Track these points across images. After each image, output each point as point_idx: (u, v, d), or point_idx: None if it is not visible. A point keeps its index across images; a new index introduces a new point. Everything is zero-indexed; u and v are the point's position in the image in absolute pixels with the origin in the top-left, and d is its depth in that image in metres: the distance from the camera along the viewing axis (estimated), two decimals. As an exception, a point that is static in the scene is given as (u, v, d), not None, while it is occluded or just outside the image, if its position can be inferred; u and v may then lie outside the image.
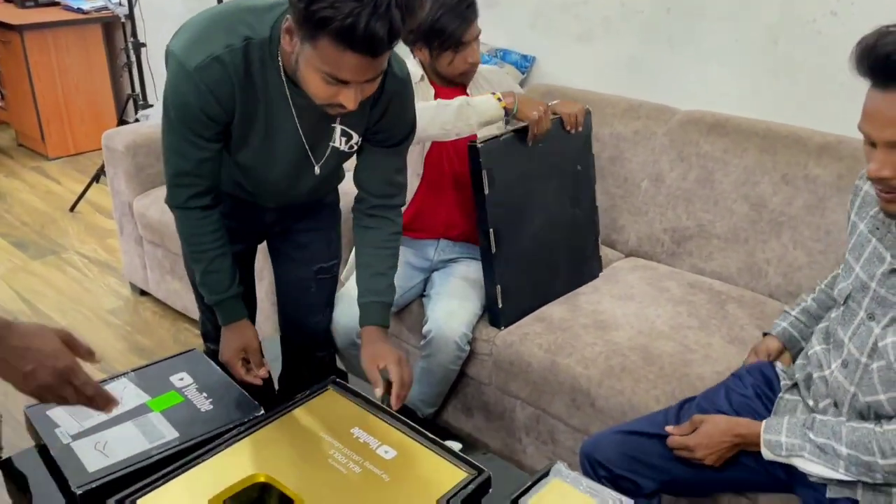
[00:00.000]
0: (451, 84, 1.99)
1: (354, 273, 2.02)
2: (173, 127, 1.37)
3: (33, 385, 1.03)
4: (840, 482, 1.29)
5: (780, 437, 1.31)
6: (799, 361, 1.46)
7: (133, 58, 3.93)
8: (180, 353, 1.63)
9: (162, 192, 2.75)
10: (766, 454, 1.33)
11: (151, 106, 3.79)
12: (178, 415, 1.43)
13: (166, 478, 1.26)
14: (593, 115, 2.12)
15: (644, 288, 2.11)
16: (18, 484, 1.35)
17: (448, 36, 1.86)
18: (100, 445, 1.34)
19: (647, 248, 2.33)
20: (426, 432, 1.38)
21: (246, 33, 1.29)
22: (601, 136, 2.34)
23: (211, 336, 1.70)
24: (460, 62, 1.91)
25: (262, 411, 1.44)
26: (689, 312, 1.98)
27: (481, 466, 1.29)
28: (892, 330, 1.20)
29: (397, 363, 1.46)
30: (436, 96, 1.96)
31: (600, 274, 2.20)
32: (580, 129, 2.01)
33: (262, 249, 1.85)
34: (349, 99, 1.21)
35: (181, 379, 1.54)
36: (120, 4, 4.09)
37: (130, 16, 3.85)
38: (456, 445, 1.37)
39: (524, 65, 2.77)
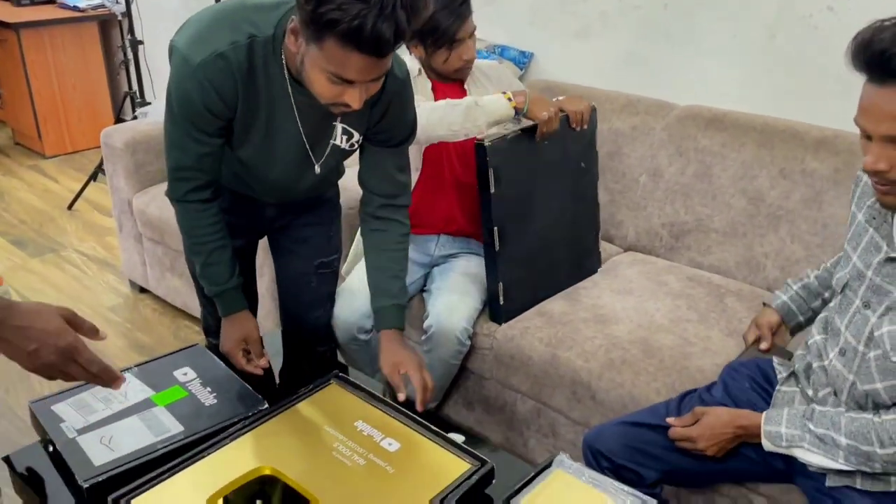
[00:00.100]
0: (448, 79, 1.99)
1: (356, 268, 2.04)
2: (176, 121, 1.38)
3: (38, 363, 1.03)
4: (839, 472, 1.30)
5: (781, 429, 1.32)
6: (798, 352, 1.47)
7: (130, 55, 3.93)
8: (183, 349, 1.64)
9: (161, 189, 2.77)
10: (767, 445, 1.35)
11: (150, 103, 3.79)
12: (183, 409, 1.44)
13: (172, 471, 1.27)
14: (591, 110, 2.13)
15: (643, 282, 2.12)
16: (24, 479, 1.35)
17: (442, 33, 1.86)
18: (105, 439, 1.35)
19: (645, 242, 2.34)
20: (429, 425, 1.39)
21: (250, 31, 1.30)
22: (599, 131, 2.34)
23: (212, 330, 1.71)
24: (455, 59, 1.91)
25: (266, 405, 1.45)
26: (689, 306, 1.99)
27: (484, 458, 1.30)
28: (887, 319, 1.22)
29: (418, 369, 1.47)
30: (433, 90, 1.96)
31: (600, 268, 2.22)
32: (586, 126, 2.00)
33: (263, 246, 1.86)
34: (354, 98, 1.23)
35: (185, 374, 1.55)
36: (117, 2, 4.09)
37: (128, 13, 3.85)
38: (459, 438, 1.39)
39: (522, 61, 2.78)
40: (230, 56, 1.29)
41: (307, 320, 1.84)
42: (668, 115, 2.33)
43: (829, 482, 1.32)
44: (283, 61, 1.33)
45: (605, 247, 2.30)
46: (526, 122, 1.91)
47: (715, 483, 1.59)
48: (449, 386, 2.08)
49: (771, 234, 2.10)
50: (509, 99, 1.85)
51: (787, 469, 1.40)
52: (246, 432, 1.36)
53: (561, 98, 2.02)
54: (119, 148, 2.75)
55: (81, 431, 1.37)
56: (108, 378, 1.11)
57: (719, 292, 2.06)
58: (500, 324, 1.97)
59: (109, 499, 1.21)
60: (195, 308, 2.71)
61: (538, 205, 1.97)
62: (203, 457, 1.30)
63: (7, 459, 1.39)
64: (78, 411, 1.42)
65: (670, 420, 1.43)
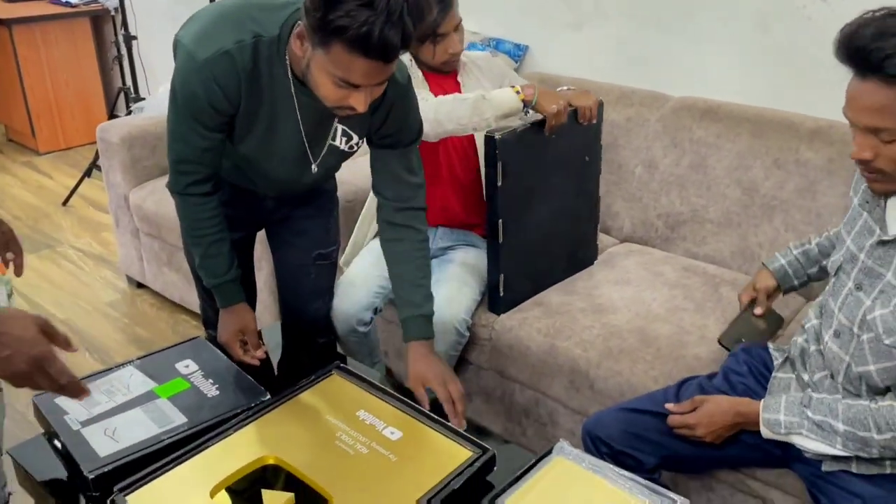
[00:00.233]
0: (440, 72, 2.00)
1: (355, 260, 2.05)
2: (179, 116, 1.39)
3: (8, 371, 1.03)
4: (835, 457, 1.32)
5: (779, 416, 1.34)
6: (794, 338, 1.49)
7: (124, 51, 3.92)
8: (184, 341, 1.65)
9: (158, 184, 2.78)
10: (766, 433, 1.37)
11: (144, 99, 3.78)
12: (186, 401, 1.45)
13: (176, 462, 1.28)
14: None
15: (640, 272, 2.14)
16: (28, 472, 1.36)
17: (426, 27, 1.85)
18: (109, 431, 1.36)
19: (641, 233, 2.36)
20: (431, 413, 1.41)
21: (256, 30, 1.31)
22: (595, 123, 2.37)
23: (212, 322, 1.72)
24: (441, 53, 1.91)
25: (269, 396, 1.46)
26: (685, 295, 2.01)
27: (486, 445, 1.32)
28: (879, 303, 1.24)
29: (442, 383, 1.46)
30: (425, 80, 1.96)
31: (597, 260, 2.23)
32: (594, 121, 1.99)
33: (261, 239, 1.87)
34: (360, 102, 1.24)
35: (186, 366, 1.56)
36: (110, -3, 4.08)
37: (121, 8, 3.84)
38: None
39: (517, 53, 2.79)
40: (235, 54, 1.30)
41: (306, 312, 1.85)
42: (663, 107, 2.35)
43: (826, 467, 1.34)
44: (287, 62, 1.34)
45: (601, 238, 2.32)
46: (534, 116, 1.90)
47: (713, 469, 1.61)
48: (448, 377, 2.09)
49: (765, 223, 2.12)
50: (517, 92, 1.84)
51: (784, 455, 1.43)
52: (249, 423, 1.37)
53: (569, 91, 2.01)
54: (115, 143, 2.75)
55: (85, 424, 1.38)
56: (75, 391, 1.12)
57: (714, 282, 2.08)
58: (498, 314, 1.99)
59: (115, 489, 1.22)
60: (193, 303, 2.72)
61: (542, 198, 1.98)
62: (207, 447, 1.31)
63: (10, 453, 1.40)
64: (81, 404, 1.42)
65: (669, 406, 1.45)
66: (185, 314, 2.87)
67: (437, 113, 1.77)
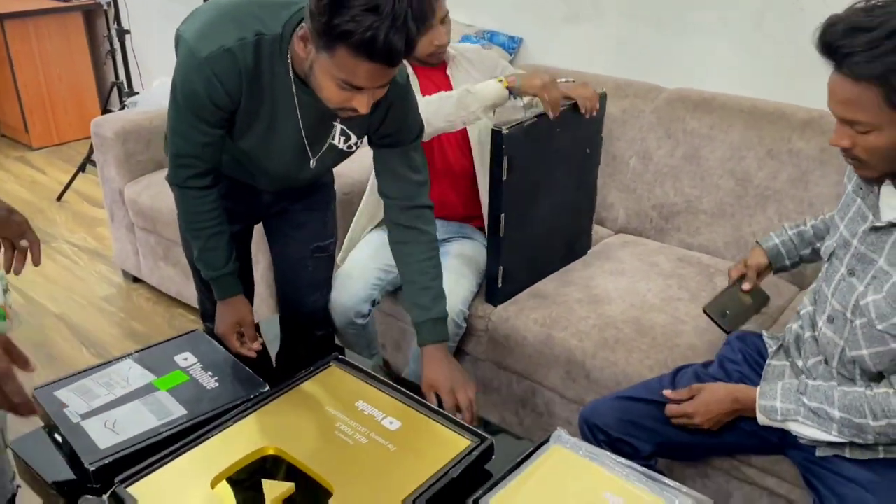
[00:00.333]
0: (428, 64, 2.00)
1: (351, 252, 2.06)
2: (179, 111, 1.40)
3: None
4: (829, 443, 1.34)
5: (776, 403, 1.36)
6: (789, 324, 1.51)
7: (117, 45, 3.91)
8: (183, 334, 1.66)
9: (153, 178, 2.78)
10: (762, 419, 1.38)
11: (137, 93, 3.77)
12: (185, 393, 1.46)
13: (177, 453, 1.29)
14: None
15: (634, 263, 2.15)
16: (29, 464, 1.37)
17: None
18: (109, 424, 1.37)
19: (635, 224, 2.38)
20: (429, 404, 1.42)
21: (258, 28, 1.31)
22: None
23: (210, 315, 1.72)
24: (426, 45, 1.91)
25: (268, 387, 1.47)
26: (679, 285, 2.03)
27: (484, 434, 1.33)
28: (872, 288, 1.26)
29: (450, 391, 1.46)
30: (415, 73, 1.96)
31: (592, 250, 2.24)
32: (594, 114, 1.99)
33: (258, 232, 1.87)
34: (362, 104, 1.25)
35: (185, 359, 1.56)
36: (102, -9, 4.07)
37: (114, 2, 3.83)
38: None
39: (511, 46, 2.80)
40: (237, 52, 1.30)
41: (304, 304, 1.86)
42: (657, 98, 2.36)
43: (820, 452, 1.36)
44: (289, 61, 1.34)
45: (596, 229, 2.33)
46: (538, 109, 1.89)
47: (708, 456, 1.63)
48: (445, 368, 2.10)
49: (759, 213, 2.13)
50: (500, 81, 1.86)
51: (780, 441, 1.44)
52: (248, 414, 1.38)
53: (569, 84, 2.00)
54: (110, 137, 2.75)
55: (85, 416, 1.38)
56: (26, 411, 1.12)
57: (709, 272, 2.10)
58: (496, 306, 2.00)
59: (116, 480, 1.23)
60: (189, 297, 2.73)
61: (545, 191, 1.98)
62: (207, 439, 1.32)
63: (10, 447, 1.40)
64: (81, 397, 1.44)
65: (667, 393, 1.47)
66: (182, 308, 2.87)
67: (426, 112, 1.77)
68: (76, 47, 4.49)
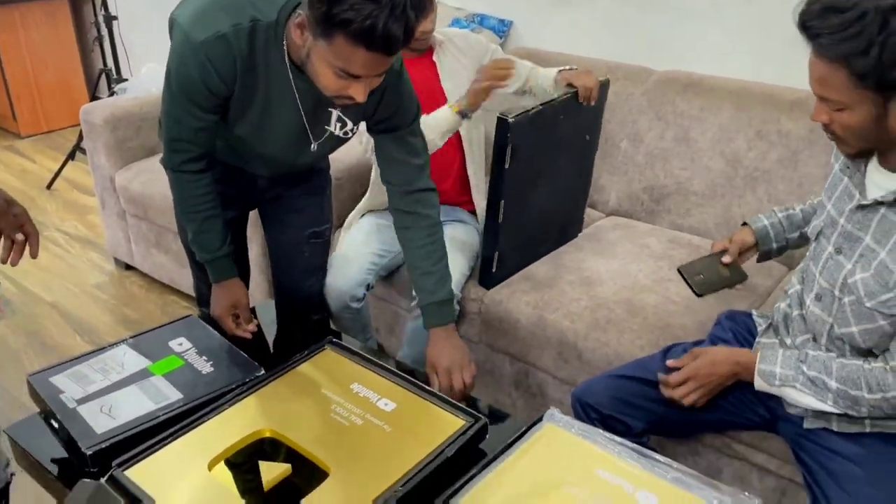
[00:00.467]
0: (415, 51, 1.99)
1: (347, 236, 2.07)
2: (174, 96, 1.39)
3: None
4: (817, 415, 1.36)
5: (775, 368, 1.37)
6: (778, 303, 1.52)
7: (105, 31, 3.88)
8: (177, 320, 1.67)
9: (143, 165, 2.77)
10: (759, 384, 1.39)
11: (126, 80, 3.75)
12: (181, 377, 1.47)
13: (174, 436, 1.30)
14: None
15: (626, 245, 2.17)
16: (26, 450, 1.38)
17: None
18: (105, 408, 1.38)
19: (627, 206, 2.39)
20: (424, 385, 1.44)
21: (253, 14, 1.31)
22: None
23: (206, 299, 1.73)
24: None
25: (263, 371, 1.48)
26: (670, 266, 2.04)
27: (478, 414, 1.34)
28: (860, 266, 1.27)
29: (446, 372, 1.50)
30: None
31: (584, 233, 2.26)
32: (594, 102, 1.98)
33: (252, 219, 1.87)
34: (359, 92, 1.25)
35: (180, 344, 1.57)
36: (88, -23, 4.03)
37: (101, -12, 3.80)
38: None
39: (501, 29, 2.79)
40: (232, 38, 1.30)
41: (300, 290, 1.87)
42: (647, 81, 2.36)
43: (807, 424, 1.38)
44: (285, 47, 1.34)
45: (587, 212, 2.34)
46: (544, 98, 1.89)
47: (699, 432, 1.65)
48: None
49: (749, 194, 2.15)
50: (451, 107, 1.85)
51: (770, 417, 1.46)
52: (244, 397, 1.39)
53: (571, 71, 1.99)
54: (99, 125, 2.74)
55: (81, 402, 1.39)
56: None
57: (699, 253, 2.09)
58: (489, 289, 2.01)
59: (114, 464, 1.24)
60: (182, 283, 2.73)
61: (545, 178, 1.99)
62: (203, 422, 1.34)
63: (6, 432, 1.41)
64: (76, 382, 1.44)
65: (670, 363, 1.47)
66: (175, 295, 2.88)
67: None
68: (63, 34, 4.45)
